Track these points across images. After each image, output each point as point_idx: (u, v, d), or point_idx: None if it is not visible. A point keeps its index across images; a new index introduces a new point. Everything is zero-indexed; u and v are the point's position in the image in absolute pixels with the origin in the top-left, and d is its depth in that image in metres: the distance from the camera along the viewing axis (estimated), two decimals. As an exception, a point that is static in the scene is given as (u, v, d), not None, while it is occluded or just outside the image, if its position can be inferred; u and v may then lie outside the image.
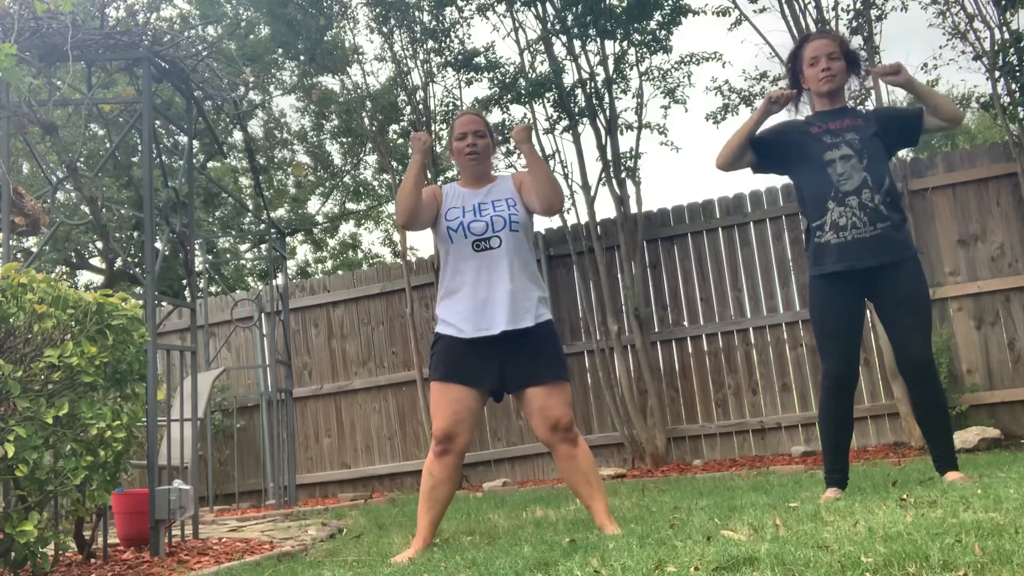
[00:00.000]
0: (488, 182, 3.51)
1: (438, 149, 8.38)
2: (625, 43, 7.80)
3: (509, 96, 7.99)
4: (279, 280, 7.87)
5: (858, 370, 3.52)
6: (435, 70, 8.37)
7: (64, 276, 12.98)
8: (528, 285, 3.37)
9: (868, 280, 3.41)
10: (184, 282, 10.20)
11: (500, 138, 8.17)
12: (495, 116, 8.29)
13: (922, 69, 7.49)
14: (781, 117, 3.66)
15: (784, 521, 2.67)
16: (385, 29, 8.27)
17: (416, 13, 8.22)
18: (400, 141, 10.06)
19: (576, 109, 7.78)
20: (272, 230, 7.80)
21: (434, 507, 3.33)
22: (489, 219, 3.36)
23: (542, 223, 8.17)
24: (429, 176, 8.27)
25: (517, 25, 7.96)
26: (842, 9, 6.99)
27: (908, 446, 6.46)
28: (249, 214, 12.60)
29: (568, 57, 7.78)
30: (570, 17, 7.71)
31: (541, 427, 3.31)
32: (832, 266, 3.40)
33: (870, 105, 7.05)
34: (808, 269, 3.55)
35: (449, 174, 8.47)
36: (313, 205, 15.13)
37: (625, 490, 5.22)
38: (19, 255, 9.39)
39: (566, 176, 7.85)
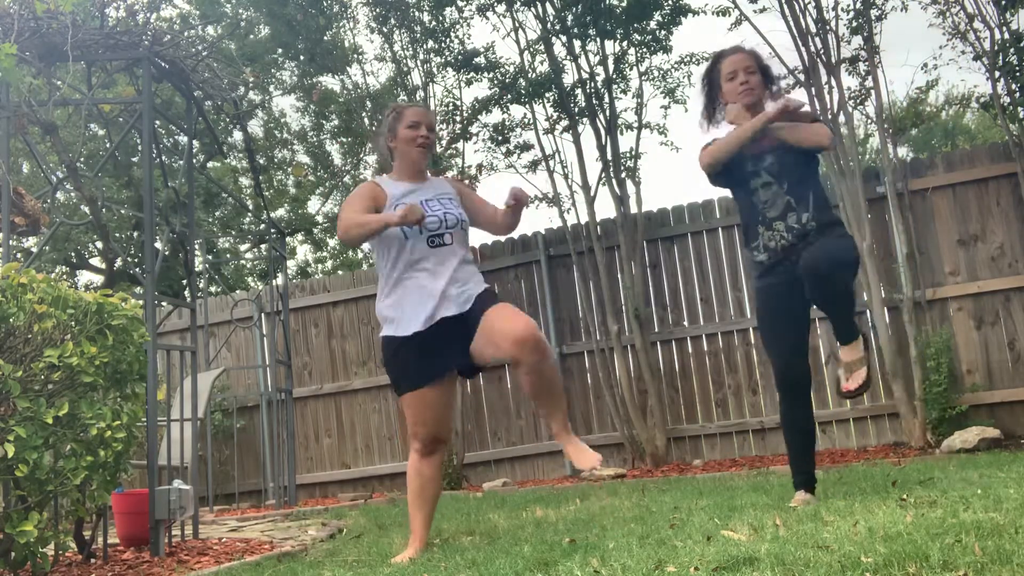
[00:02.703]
0: (425, 178, 3.54)
1: (438, 148, 8.37)
2: (625, 43, 7.80)
3: (509, 96, 7.99)
4: (279, 280, 7.87)
5: (808, 369, 3.54)
6: (435, 70, 8.37)
7: (64, 276, 12.98)
8: (473, 276, 3.40)
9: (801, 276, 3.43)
10: (184, 282, 10.20)
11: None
12: (495, 116, 8.29)
13: (922, 69, 7.49)
14: (705, 134, 3.68)
15: (784, 521, 2.67)
16: (385, 29, 8.27)
17: (416, 13, 8.22)
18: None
19: (576, 109, 7.77)
20: (272, 230, 7.80)
21: (426, 505, 3.34)
22: (442, 215, 3.36)
23: (542, 223, 8.16)
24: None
25: (517, 25, 7.96)
26: (842, 9, 7.00)
27: (908, 446, 6.46)
28: (249, 214, 12.61)
29: (568, 57, 7.78)
30: (570, 17, 7.71)
31: (505, 344, 3.12)
32: (769, 279, 3.48)
33: (870, 106, 7.07)
34: (751, 278, 3.62)
35: (450, 174, 8.47)
36: (313, 205, 15.14)
37: (625, 490, 5.22)
38: (19, 255, 9.39)
39: (566, 176, 7.86)
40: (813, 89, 6.83)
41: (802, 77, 6.89)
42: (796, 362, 3.46)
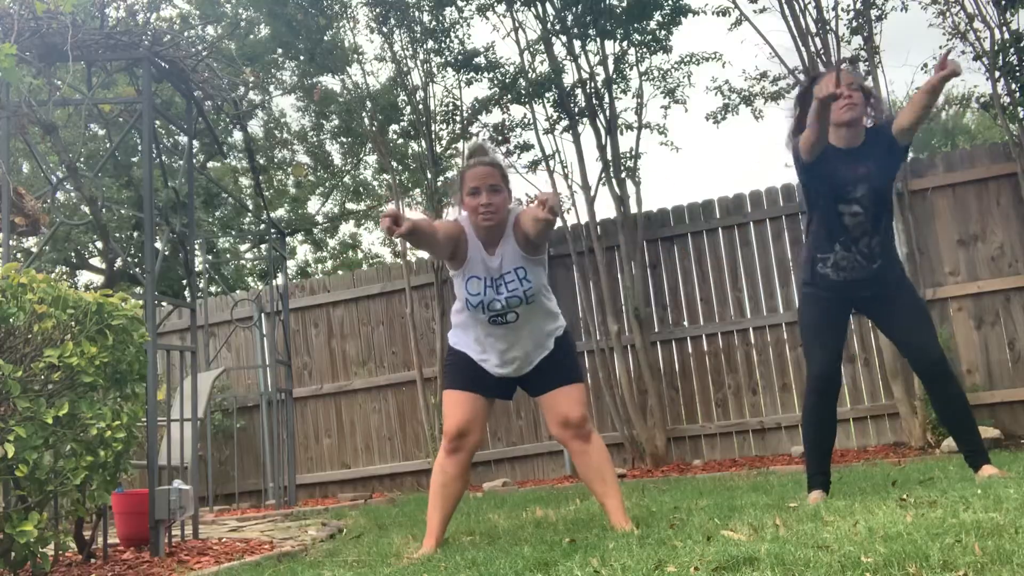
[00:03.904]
0: (501, 236, 3.30)
1: (438, 148, 8.36)
2: (625, 43, 7.80)
3: (509, 96, 7.98)
4: (279, 280, 7.87)
5: (841, 373, 3.63)
6: (435, 70, 8.36)
7: (64, 276, 12.98)
8: (545, 331, 3.40)
9: (859, 301, 3.61)
10: (184, 282, 10.20)
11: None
12: (495, 116, 8.29)
13: (922, 69, 7.48)
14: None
15: (784, 521, 2.67)
16: (385, 29, 8.27)
17: (416, 13, 8.22)
18: (400, 141, 10.06)
19: (576, 109, 7.77)
20: (272, 230, 7.80)
21: (444, 504, 3.35)
22: (505, 300, 3.28)
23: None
24: (428, 176, 8.27)
25: (517, 25, 7.96)
26: (842, 9, 6.99)
27: (908, 446, 6.45)
28: (249, 214, 12.60)
29: (568, 57, 7.78)
30: (570, 17, 7.71)
31: (552, 423, 3.38)
32: (826, 292, 3.58)
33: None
34: (801, 278, 3.65)
35: (450, 174, 8.47)
36: (313, 205, 15.14)
37: (625, 490, 5.19)
38: (19, 255, 9.39)
39: (566, 176, 7.86)
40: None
41: (802, 77, 6.89)
42: (833, 367, 3.56)
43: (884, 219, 3.53)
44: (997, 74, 6.60)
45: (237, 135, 11.18)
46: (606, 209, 10.72)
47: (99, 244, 12.16)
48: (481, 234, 3.31)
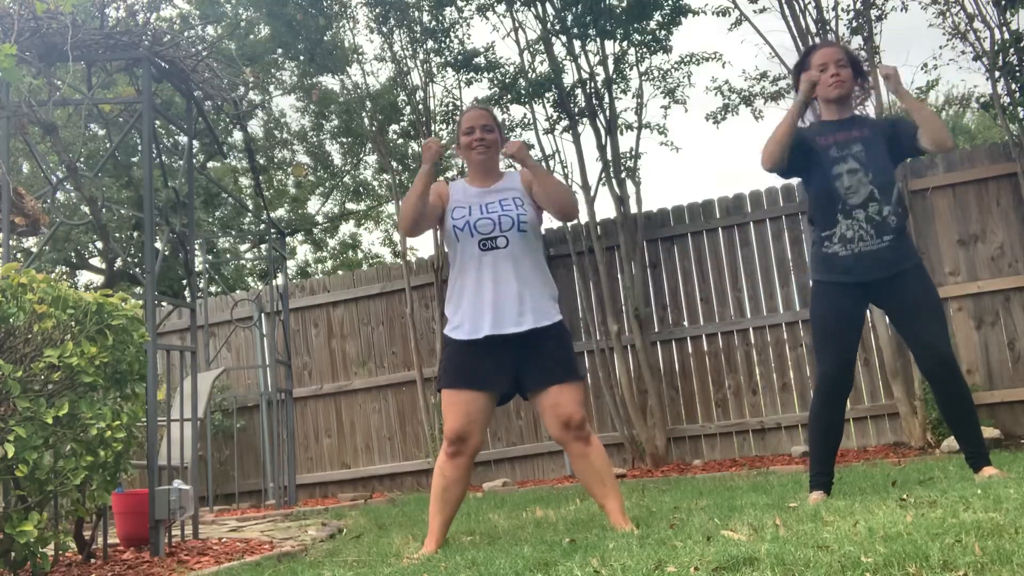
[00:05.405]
0: (496, 179, 3.47)
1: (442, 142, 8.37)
2: (625, 43, 7.80)
3: (509, 96, 7.99)
4: (279, 280, 7.87)
5: (853, 375, 3.50)
6: (435, 70, 8.37)
7: (64, 276, 12.98)
8: (538, 286, 3.34)
9: (874, 290, 3.44)
10: (184, 282, 10.20)
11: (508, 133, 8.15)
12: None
13: (922, 69, 7.49)
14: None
15: (784, 521, 2.67)
16: (385, 29, 8.27)
17: (416, 13, 8.22)
18: (400, 141, 10.06)
19: (576, 109, 7.77)
20: (272, 230, 7.80)
21: (446, 508, 3.32)
22: (496, 218, 3.32)
23: (543, 222, 8.14)
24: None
25: (517, 25, 7.96)
26: (842, 9, 7.00)
27: (908, 446, 6.46)
28: (249, 214, 12.61)
29: (568, 57, 7.78)
30: (570, 17, 7.71)
31: (553, 425, 3.30)
32: (840, 276, 3.42)
33: (870, 107, 7.06)
34: (812, 273, 3.55)
35: (449, 174, 8.47)
36: (313, 205, 15.13)
37: (625, 490, 5.21)
38: (19, 255, 9.39)
39: (566, 176, 7.86)
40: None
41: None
42: (845, 368, 3.43)
43: (893, 190, 3.39)
44: (997, 74, 6.60)
45: (237, 135, 11.18)
46: (606, 209, 10.74)
47: (99, 244, 12.17)
48: (474, 169, 3.48)
